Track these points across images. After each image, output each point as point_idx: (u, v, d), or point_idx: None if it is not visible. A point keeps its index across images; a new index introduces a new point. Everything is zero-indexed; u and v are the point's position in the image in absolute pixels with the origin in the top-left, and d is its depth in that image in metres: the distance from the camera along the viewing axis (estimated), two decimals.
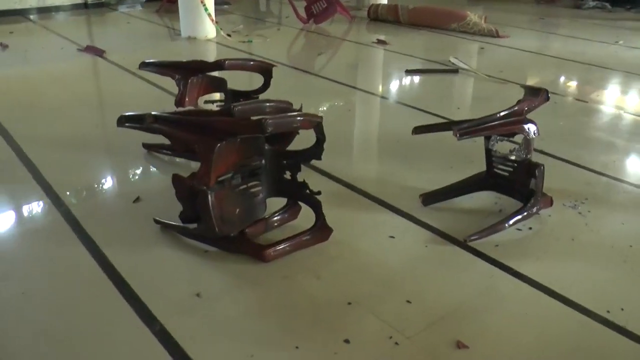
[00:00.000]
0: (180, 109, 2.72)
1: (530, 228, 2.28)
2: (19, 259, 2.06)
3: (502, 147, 2.41)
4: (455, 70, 4.71)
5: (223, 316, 1.76)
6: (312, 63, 5.29)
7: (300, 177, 2.15)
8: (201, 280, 1.94)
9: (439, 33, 6.36)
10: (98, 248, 2.09)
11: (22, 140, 3.07)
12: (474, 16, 6.35)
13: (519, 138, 2.36)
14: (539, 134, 2.29)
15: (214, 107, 2.95)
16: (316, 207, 2.12)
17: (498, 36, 6.12)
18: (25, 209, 2.42)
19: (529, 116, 2.30)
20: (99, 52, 5.07)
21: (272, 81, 2.98)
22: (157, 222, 2.23)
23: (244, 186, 2.10)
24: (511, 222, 2.26)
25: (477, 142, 2.46)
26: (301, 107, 2.22)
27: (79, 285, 1.90)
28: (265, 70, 2.95)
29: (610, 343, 1.69)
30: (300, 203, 2.24)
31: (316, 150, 2.10)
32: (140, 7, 7.84)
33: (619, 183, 2.74)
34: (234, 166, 2.03)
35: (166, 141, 2.33)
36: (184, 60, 2.99)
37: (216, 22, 5.88)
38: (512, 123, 2.24)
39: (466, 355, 1.61)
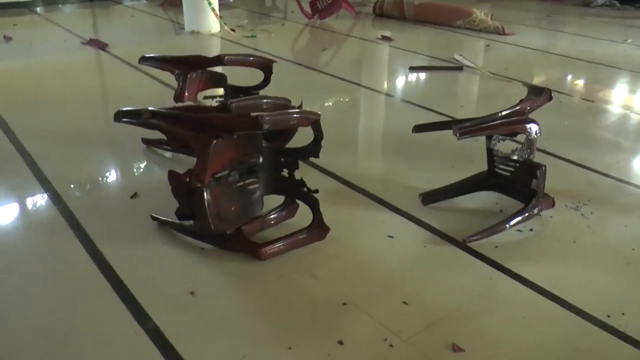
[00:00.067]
0: (180, 104, 2.70)
1: (531, 229, 2.25)
2: (13, 253, 2.04)
3: (505, 146, 2.37)
4: (459, 68, 4.66)
5: (217, 315, 1.74)
6: (316, 59, 5.26)
7: (299, 174, 2.13)
8: (196, 278, 1.92)
9: (445, 30, 6.31)
10: (93, 243, 2.08)
11: (23, 133, 3.06)
12: (480, 13, 6.29)
13: (521, 137, 2.32)
14: (541, 134, 2.26)
15: (214, 103, 2.92)
16: (313, 205, 2.10)
17: (504, 33, 6.07)
18: (22, 204, 2.41)
19: (531, 116, 2.27)
20: (101, 46, 5.05)
21: (275, 77, 2.96)
22: (153, 218, 2.21)
23: (241, 183, 2.08)
24: (512, 223, 2.23)
25: (480, 142, 2.43)
26: (301, 103, 2.19)
27: (72, 281, 1.89)
28: (266, 66, 2.93)
29: (609, 348, 1.66)
30: (297, 201, 2.21)
31: (314, 147, 2.07)
32: (145, 1, 7.82)
33: (623, 184, 2.70)
34: (231, 163, 2.01)
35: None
36: (186, 54, 2.97)
37: (220, 16, 5.85)
38: (513, 123, 2.21)
39: (462, 359, 1.58)
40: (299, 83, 4.28)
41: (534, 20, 7.29)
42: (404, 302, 1.80)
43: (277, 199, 2.23)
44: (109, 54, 4.91)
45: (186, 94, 2.73)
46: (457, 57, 4.87)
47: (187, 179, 1.95)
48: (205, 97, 3.02)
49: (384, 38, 5.74)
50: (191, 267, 1.98)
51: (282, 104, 2.08)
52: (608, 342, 1.67)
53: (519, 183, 2.31)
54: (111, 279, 1.89)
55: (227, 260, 2.00)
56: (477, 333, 1.69)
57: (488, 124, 2.15)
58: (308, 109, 2.07)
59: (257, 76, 2.96)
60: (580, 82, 4.65)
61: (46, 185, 2.51)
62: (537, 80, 4.69)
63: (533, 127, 2.23)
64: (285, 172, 2.14)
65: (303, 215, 2.16)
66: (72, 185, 2.54)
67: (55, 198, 2.40)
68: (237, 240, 2.04)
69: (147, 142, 2.89)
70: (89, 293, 1.83)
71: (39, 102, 3.62)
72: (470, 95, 4.35)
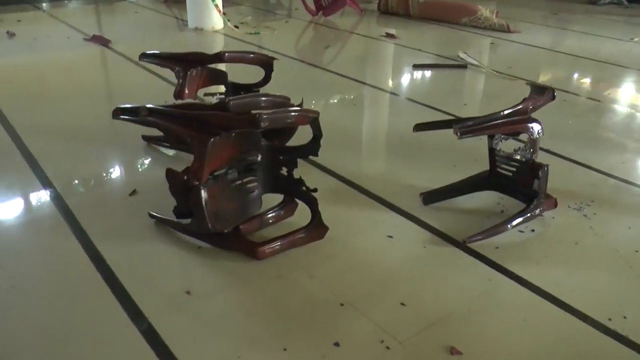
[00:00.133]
0: (179, 101, 2.68)
1: (533, 230, 2.22)
2: (10, 250, 2.03)
3: (507, 146, 2.34)
4: (464, 66, 4.62)
5: (212, 315, 1.72)
6: (320, 56, 5.23)
7: (299, 172, 2.11)
8: (192, 277, 1.90)
9: (450, 27, 6.27)
10: (90, 241, 2.07)
11: (23, 129, 3.06)
12: (485, 10, 6.24)
13: (524, 137, 2.29)
14: (543, 134, 2.23)
15: (215, 100, 2.90)
16: (312, 204, 2.08)
17: (509, 31, 6.01)
18: (20, 200, 2.40)
19: (534, 115, 2.24)
20: (104, 42, 5.05)
21: (278, 74, 2.94)
22: (151, 216, 2.20)
23: (239, 181, 2.06)
24: (513, 223, 2.20)
25: (482, 141, 2.40)
26: (302, 101, 2.17)
27: (68, 279, 1.88)
28: (266, 63, 2.90)
29: (610, 352, 1.63)
30: (296, 200, 2.20)
31: (313, 146, 2.05)
32: None
33: (627, 185, 2.66)
34: (229, 161, 1.99)
35: None
36: (187, 51, 2.95)
37: (224, 13, 5.83)
38: (515, 122, 2.18)
39: None
40: (302, 80, 4.26)
41: (540, 18, 7.22)
42: (402, 304, 1.78)
43: (276, 198, 2.21)
44: (112, 50, 4.90)
45: (186, 91, 2.71)
46: (461, 55, 4.83)
47: (185, 177, 1.93)
48: (206, 94, 3.00)
49: (388, 35, 5.71)
50: (188, 266, 1.96)
51: (281, 102, 2.06)
52: (609, 346, 1.65)
53: (521, 183, 2.28)
54: (107, 277, 1.87)
55: (224, 259, 1.99)
56: (475, 335, 1.67)
57: (490, 123, 2.12)
58: (307, 107, 2.05)
59: (259, 73, 2.94)
60: (585, 81, 4.60)
61: (45, 182, 2.51)
62: (543, 79, 4.65)
63: (535, 127, 2.20)
64: (284, 171, 2.12)
65: (302, 214, 2.14)
66: (70, 182, 2.53)
67: (53, 195, 2.40)
68: (234, 239, 2.03)
69: (147, 139, 2.88)
70: (85, 292, 1.81)
71: (41, 98, 3.61)
72: (474, 94, 4.31)
